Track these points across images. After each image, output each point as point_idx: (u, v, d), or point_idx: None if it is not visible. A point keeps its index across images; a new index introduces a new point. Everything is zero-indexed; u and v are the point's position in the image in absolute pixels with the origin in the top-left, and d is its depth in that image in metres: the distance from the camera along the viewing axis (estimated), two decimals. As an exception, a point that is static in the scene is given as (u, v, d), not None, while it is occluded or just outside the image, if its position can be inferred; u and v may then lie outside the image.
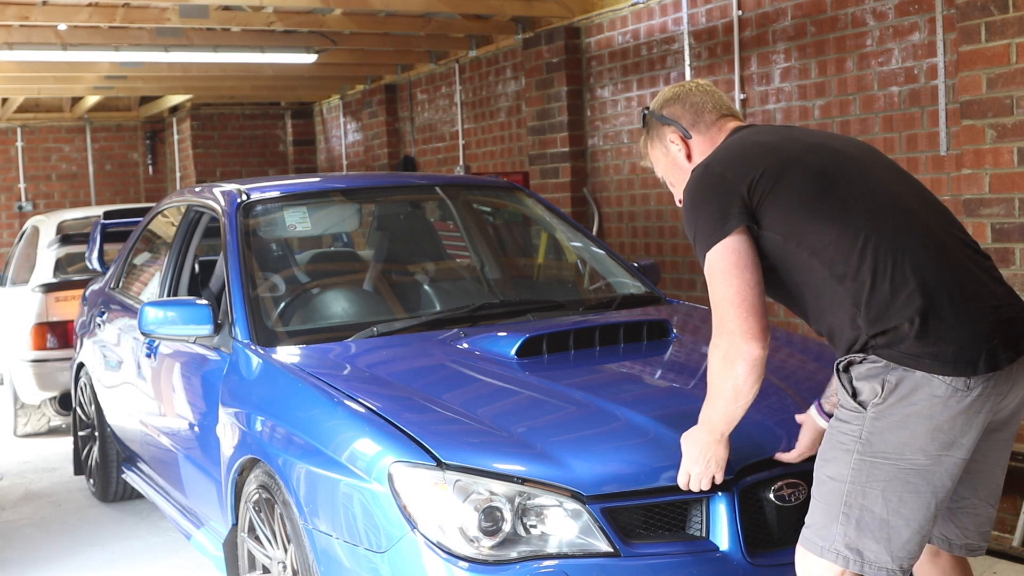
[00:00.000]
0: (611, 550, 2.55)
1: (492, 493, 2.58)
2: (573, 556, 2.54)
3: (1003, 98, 4.22)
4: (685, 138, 2.56)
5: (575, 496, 2.58)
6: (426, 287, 4.21)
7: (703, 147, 2.53)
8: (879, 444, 2.16)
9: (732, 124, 2.55)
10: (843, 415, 2.24)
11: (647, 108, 2.64)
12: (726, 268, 2.26)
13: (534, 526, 2.59)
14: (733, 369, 2.26)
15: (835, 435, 2.25)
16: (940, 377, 2.11)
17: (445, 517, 2.57)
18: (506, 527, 2.56)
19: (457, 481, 2.59)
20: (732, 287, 2.24)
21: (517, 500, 2.58)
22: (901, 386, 2.14)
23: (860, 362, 2.21)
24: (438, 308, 4.10)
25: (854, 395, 2.20)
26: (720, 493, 2.65)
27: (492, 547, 2.54)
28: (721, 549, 2.63)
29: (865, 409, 2.18)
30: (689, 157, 2.55)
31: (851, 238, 2.21)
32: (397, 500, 2.63)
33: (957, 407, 2.12)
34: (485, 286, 4.25)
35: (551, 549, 2.56)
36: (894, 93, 4.88)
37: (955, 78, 4.51)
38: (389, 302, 4.05)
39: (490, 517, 2.55)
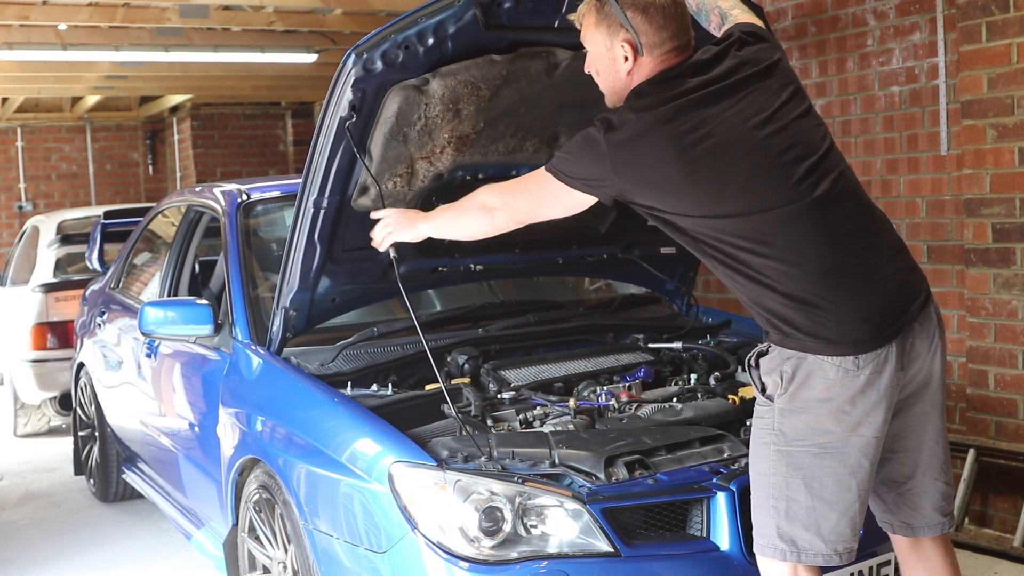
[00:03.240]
0: (611, 550, 2.54)
1: (492, 493, 2.57)
2: (574, 556, 2.54)
3: (1004, 98, 4.22)
4: (637, 53, 2.40)
5: (575, 496, 2.58)
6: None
7: (646, 69, 2.41)
8: (790, 433, 2.25)
9: (675, 59, 2.40)
10: (759, 411, 2.33)
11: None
12: (545, 196, 2.46)
13: (535, 526, 2.59)
14: (480, 224, 2.62)
15: (755, 431, 2.33)
16: (828, 359, 2.20)
17: (445, 517, 2.57)
18: (507, 527, 2.56)
19: (458, 481, 2.59)
20: (536, 205, 2.50)
21: (518, 500, 2.58)
22: (797, 374, 2.23)
23: (767, 352, 2.31)
24: (438, 307, 4.10)
25: (762, 389, 2.30)
26: (720, 493, 2.65)
27: (493, 547, 2.54)
28: (721, 549, 2.63)
29: (773, 401, 2.27)
30: (630, 73, 2.42)
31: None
32: (397, 500, 2.62)
33: (852, 386, 2.21)
34: (486, 285, 4.24)
35: (552, 549, 2.56)
36: (895, 93, 4.87)
37: (956, 78, 4.51)
38: (389, 302, 4.05)
39: (491, 517, 2.55)
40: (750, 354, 2.36)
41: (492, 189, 2.61)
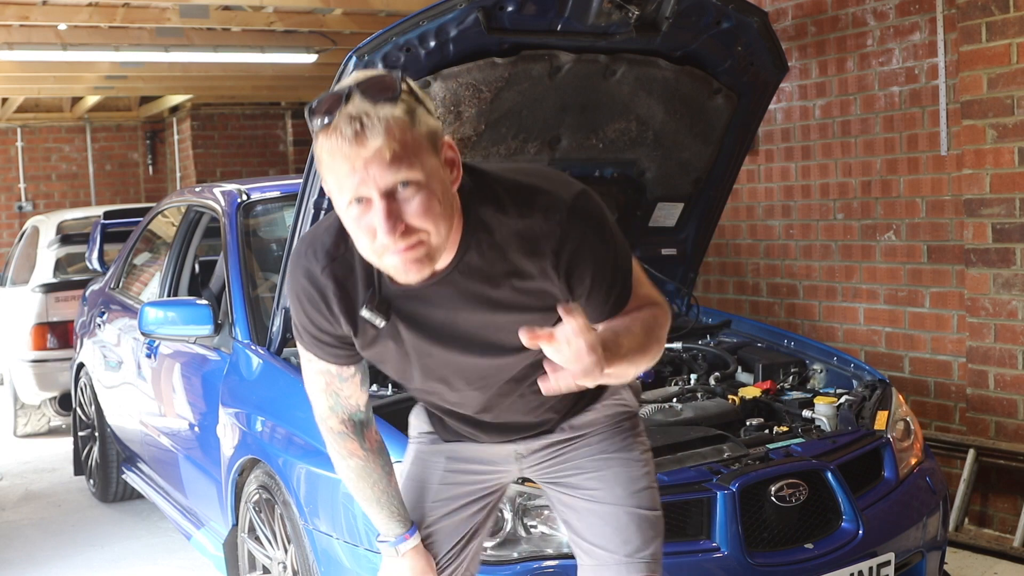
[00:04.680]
0: (612, 550, 2.54)
1: (492, 493, 2.57)
2: (574, 556, 2.53)
3: (1004, 98, 4.22)
4: (458, 166, 1.75)
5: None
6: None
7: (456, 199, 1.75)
8: None
9: None
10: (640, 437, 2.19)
11: (406, 78, 1.68)
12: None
13: (535, 526, 2.59)
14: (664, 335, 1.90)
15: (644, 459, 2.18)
16: None
17: (445, 517, 2.56)
18: (507, 527, 2.56)
19: (457, 481, 2.59)
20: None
21: (518, 500, 2.58)
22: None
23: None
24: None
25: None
26: (720, 493, 2.65)
27: (493, 547, 2.54)
28: (721, 549, 2.63)
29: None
30: (455, 187, 1.73)
31: None
32: (397, 500, 2.62)
33: None
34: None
35: (552, 549, 2.56)
36: (895, 93, 4.87)
37: (956, 78, 4.51)
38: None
39: (490, 517, 2.55)
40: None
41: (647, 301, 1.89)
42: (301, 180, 3.08)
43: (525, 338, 1.55)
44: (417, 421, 2.21)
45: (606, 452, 2.11)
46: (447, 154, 1.72)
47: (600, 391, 2.11)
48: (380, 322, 1.82)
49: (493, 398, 2.00)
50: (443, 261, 1.75)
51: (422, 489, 2.13)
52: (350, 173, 1.62)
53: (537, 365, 1.82)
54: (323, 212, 3.08)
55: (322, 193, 3.04)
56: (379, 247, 1.67)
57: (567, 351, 1.55)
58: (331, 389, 1.96)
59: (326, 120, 1.63)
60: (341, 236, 1.79)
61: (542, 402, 2.03)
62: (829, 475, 2.82)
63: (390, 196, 1.63)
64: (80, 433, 5.68)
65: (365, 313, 1.81)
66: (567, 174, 1.89)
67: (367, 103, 1.62)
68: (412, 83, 1.68)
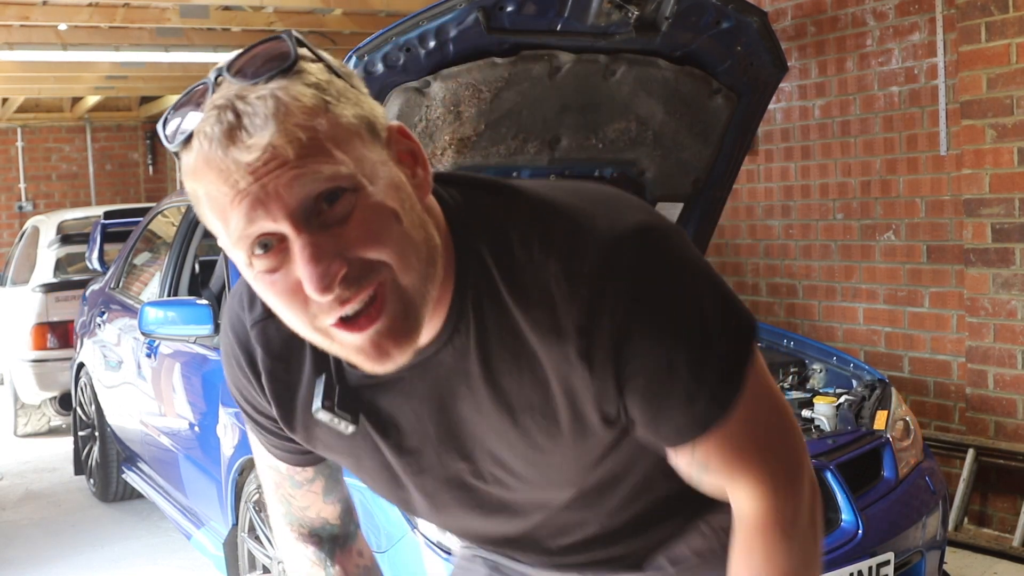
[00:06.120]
0: (611, 550, 2.54)
1: (492, 493, 2.56)
2: None
3: (1003, 98, 4.22)
4: (425, 162, 1.05)
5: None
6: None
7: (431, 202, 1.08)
8: None
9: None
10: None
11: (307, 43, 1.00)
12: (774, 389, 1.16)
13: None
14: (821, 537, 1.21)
15: None
16: None
17: (445, 517, 2.56)
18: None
19: (457, 481, 2.58)
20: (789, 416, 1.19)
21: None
22: None
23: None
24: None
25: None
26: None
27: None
28: (721, 549, 2.63)
29: None
30: (424, 195, 1.04)
31: None
32: (397, 500, 2.62)
33: None
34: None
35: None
36: (894, 93, 4.87)
37: (955, 78, 4.51)
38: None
39: (490, 517, 2.54)
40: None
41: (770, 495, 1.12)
42: None
43: None
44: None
45: None
46: (400, 144, 1.03)
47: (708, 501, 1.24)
48: (347, 428, 1.14)
49: (548, 522, 1.26)
50: (427, 332, 1.05)
51: None
52: (233, 199, 0.93)
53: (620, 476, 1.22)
54: None
55: None
56: (320, 312, 0.98)
57: None
58: (281, 493, 1.34)
59: (189, 133, 0.96)
60: None
61: (630, 512, 1.28)
62: (828, 475, 2.82)
63: (311, 222, 0.94)
64: (80, 433, 5.68)
65: (322, 415, 1.13)
66: (641, 200, 1.13)
67: (243, 83, 0.95)
68: (322, 53, 1.00)
